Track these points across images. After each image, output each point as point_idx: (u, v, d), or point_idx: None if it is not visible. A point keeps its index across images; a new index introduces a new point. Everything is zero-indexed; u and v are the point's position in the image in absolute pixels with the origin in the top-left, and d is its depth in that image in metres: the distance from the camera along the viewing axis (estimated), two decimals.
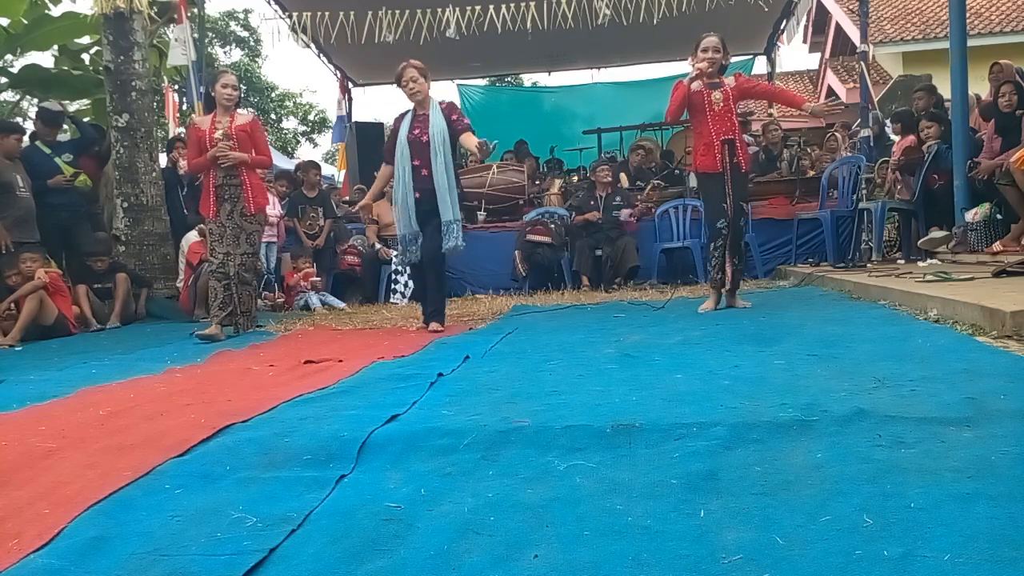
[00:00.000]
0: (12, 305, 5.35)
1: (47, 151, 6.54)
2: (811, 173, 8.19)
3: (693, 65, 4.50)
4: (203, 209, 4.91)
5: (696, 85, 4.46)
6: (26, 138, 6.55)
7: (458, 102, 15.96)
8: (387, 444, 1.91)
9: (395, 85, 4.67)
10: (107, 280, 6.15)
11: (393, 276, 7.13)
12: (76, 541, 1.45)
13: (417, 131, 4.53)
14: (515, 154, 9.36)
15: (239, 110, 4.93)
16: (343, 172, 11.99)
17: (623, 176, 8.25)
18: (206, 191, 4.87)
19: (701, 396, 2.19)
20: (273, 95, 27.64)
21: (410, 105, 4.63)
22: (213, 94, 4.82)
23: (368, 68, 11.37)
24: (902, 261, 6.57)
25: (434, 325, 4.53)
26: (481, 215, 7.94)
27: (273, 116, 28.03)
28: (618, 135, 10.03)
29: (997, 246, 5.27)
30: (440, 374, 2.83)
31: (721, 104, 4.40)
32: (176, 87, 8.98)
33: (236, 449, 1.95)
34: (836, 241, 7.03)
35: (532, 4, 7.89)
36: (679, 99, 4.45)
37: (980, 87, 7.18)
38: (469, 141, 4.44)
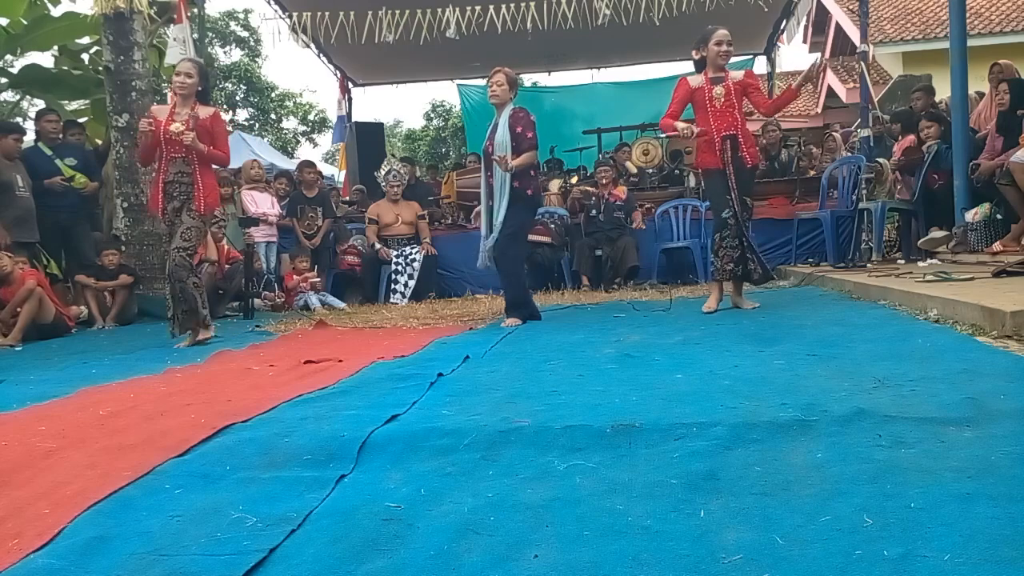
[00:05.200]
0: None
1: (48, 152, 6.55)
2: (811, 173, 8.19)
3: (697, 57, 4.48)
4: (151, 206, 4.60)
5: (697, 81, 4.44)
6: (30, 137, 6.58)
7: (458, 102, 15.96)
8: (387, 444, 1.91)
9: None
10: (113, 278, 6.16)
11: (393, 276, 7.13)
12: (76, 541, 1.46)
13: (488, 141, 4.71)
14: None
15: (204, 106, 4.55)
16: (343, 172, 11.98)
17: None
18: (156, 186, 4.51)
19: (701, 396, 2.19)
20: (273, 95, 27.65)
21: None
22: (171, 85, 4.56)
23: (368, 68, 11.36)
24: (902, 261, 6.57)
25: (508, 321, 4.63)
26: None
27: (273, 116, 28.04)
28: (618, 135, 10.01)
29: (997, 246, 5.27)
30: (440, 374, 2.83)
31: (723, 100, 4.34)
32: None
33: (236, 449, 1.95)
34: (836, 241, 7.03)
35: (532, 4, 7.88)
36: (678, 99, 4.47)
37: (980, 87, 7.18)
38: (517, 161, 4.55)
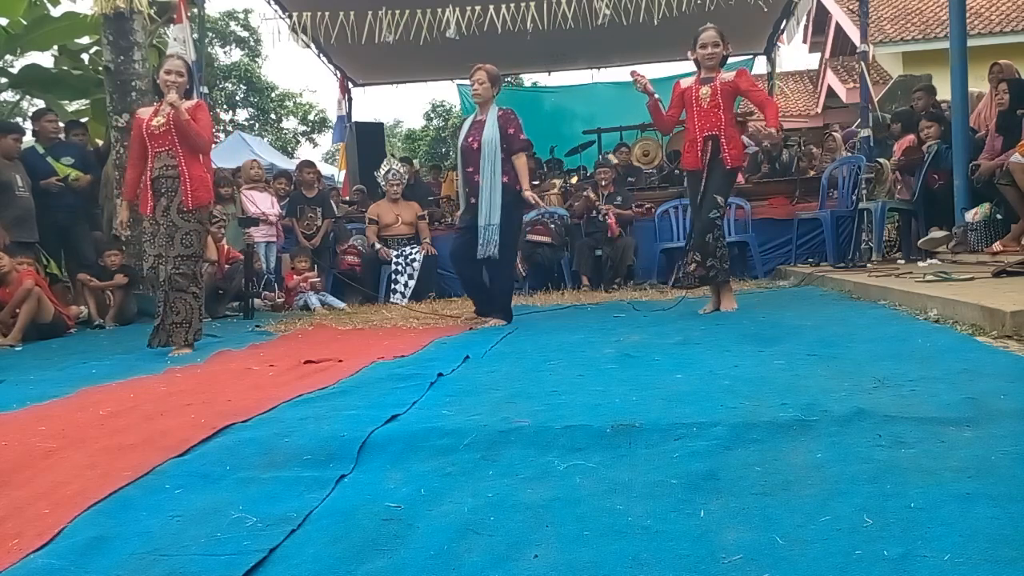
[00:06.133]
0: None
1: (41, 150, 6.55)
2: (811, 173, 8.20)
3: (692, 59, 4.50)
4: (140, 207, 4.42)
5: (687, 82, 4.46)
6: (29, 137, 6.57)
7: (458, 102, 15.96)
8: (387, 444, 1.91)
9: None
10: (114, 278, 6.16)
11: (393, 276, 7.13)
12: (76, 541, 1.46)
13: (471, 139, 4.69)
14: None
15: (187, 101, 4.35)
16: (343, 172, 11.98)
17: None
18: (144, 186, 4.35)
19: (701, 396, 2.19)
20: (273, 95, 27.65)
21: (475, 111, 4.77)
22: (158, 81, 4.39)
23: (368, 68, 11.36)
24: (902, 261, 6.57)
25: (493, 321, 4.69)
26: None
27: (273, 116, 28.05)
28: (618, 135, 10.02)
29: (997, 246, 5.27)
30: (440, 374, 2.83)
31: (708, 100, 4.33)
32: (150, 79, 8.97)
33: (236, 449, 1.95)
34: (836, 241, 7.03)
35: (532, 4, 7.88)
36: (655, 111, 4.52)
37: (980, 87, 7.18)
38: (523, 179, 4.65)
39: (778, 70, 11.71)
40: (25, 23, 8.20)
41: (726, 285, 4.51)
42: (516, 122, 4.67)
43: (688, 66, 4.70)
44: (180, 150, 4.28)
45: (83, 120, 8.02)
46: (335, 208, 8.15)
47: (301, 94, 28.92)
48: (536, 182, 8.95)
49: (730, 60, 4.62)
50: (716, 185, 4.36)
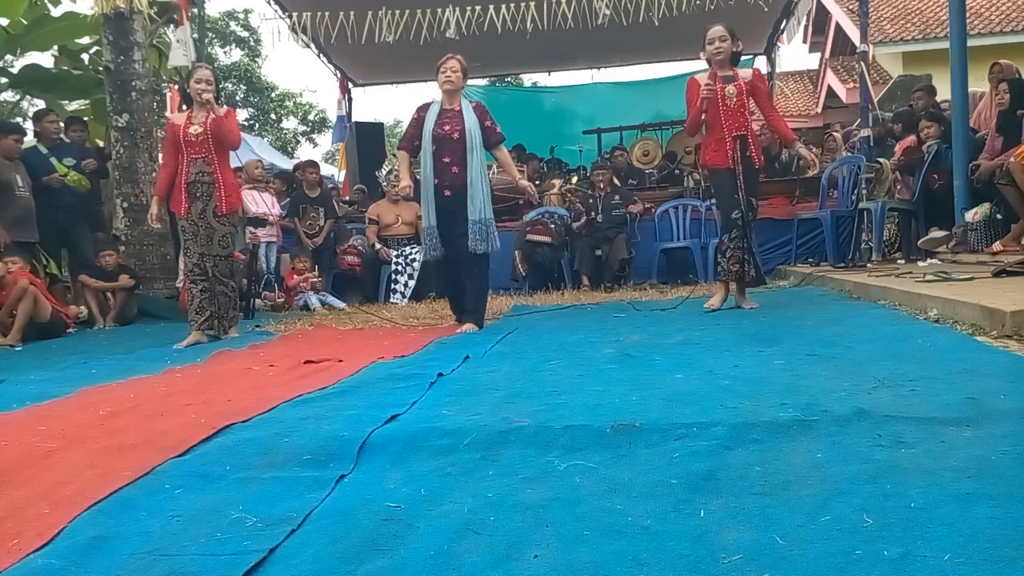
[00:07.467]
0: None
1: (44, 151, 6.55)
2: (811, 173, 8.19)
3: (704, 59, 4.51)
4: (174, 206, 4.72)
5: (707, 92, 4.41)
6: (29, 138, 6.57)
7: None
8: (387, 444, 1.91)
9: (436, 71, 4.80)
10: (112, 279, 6.16)
11: (393, 276, 7.13)
12: (76, 541, 1.46)
13: (447, 127, 4.51)
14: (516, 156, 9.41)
15: (219, 107, 4.66)
16: (343, 172, 11.98)
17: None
18: (177, 187, 4.64)
19: (701, 396, 2.19)
20: (273, 95, 27.65)
21: (431, 98, 4.70)
22: (189, 90, 4.65)
23: (368, 68, 11.35)
24: (902, 261, 6.57)
25: (467, 326, 4.45)
26: None
27: (273, 116, 28.04)
28: (618, 135, 10.02)
29: (997, 246, 5.27)
30: (440, 374, 2.83)
31: (735, 99, 4.35)
32: (178, 88, 8.98)
33: (236, 449, 1.95)
34: (836, 241, 7.03)
35: (532, 4, 7.87)
36: (695, 114, 4.47)
37: (980, 87, 7.17)
38: (511, 170, 4.80)
39: (778, 70, 11.70)
40: (25, 23, 8.19)
41: (743, 284, 4.58)
42: (490, 114, 4.68)
43: (690, 66, 4.70)
44: (215, 157, 4.64)
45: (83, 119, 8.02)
46: (336, 207, 8.15)
47: (301, 94, 28.91)
48: (537, 181, 8.99)
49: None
50: (753, 187, 4.46)
